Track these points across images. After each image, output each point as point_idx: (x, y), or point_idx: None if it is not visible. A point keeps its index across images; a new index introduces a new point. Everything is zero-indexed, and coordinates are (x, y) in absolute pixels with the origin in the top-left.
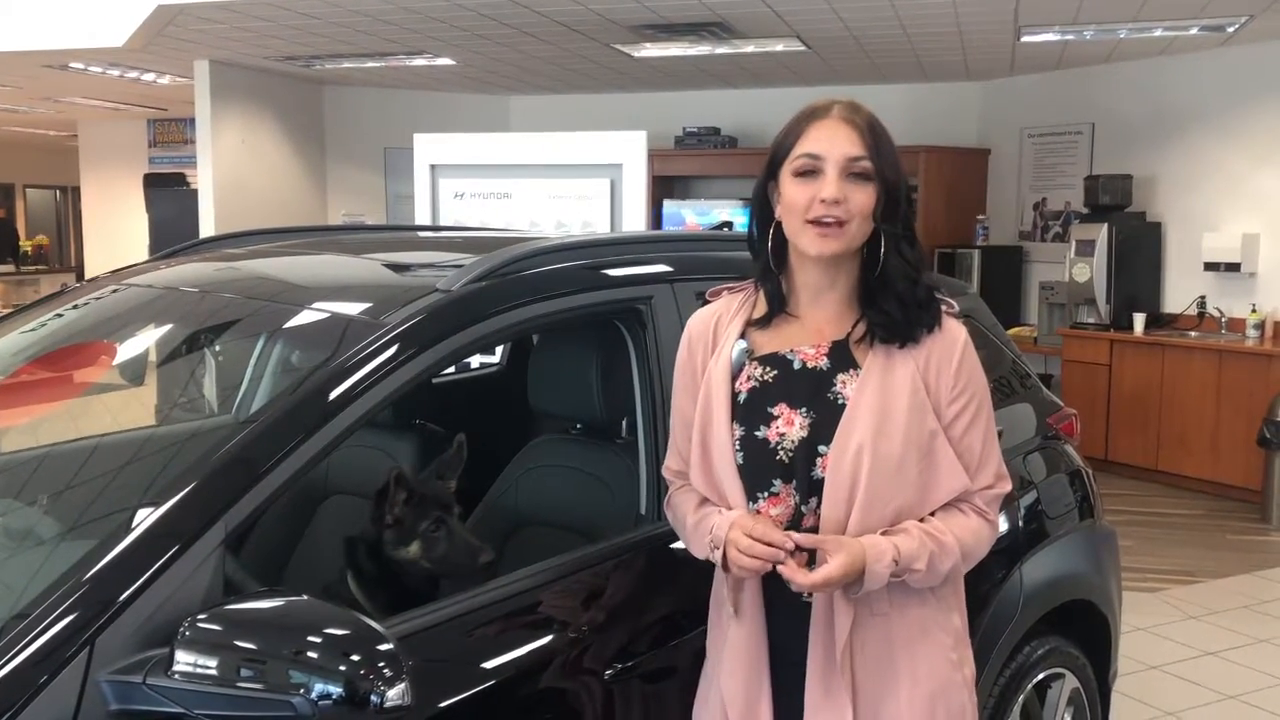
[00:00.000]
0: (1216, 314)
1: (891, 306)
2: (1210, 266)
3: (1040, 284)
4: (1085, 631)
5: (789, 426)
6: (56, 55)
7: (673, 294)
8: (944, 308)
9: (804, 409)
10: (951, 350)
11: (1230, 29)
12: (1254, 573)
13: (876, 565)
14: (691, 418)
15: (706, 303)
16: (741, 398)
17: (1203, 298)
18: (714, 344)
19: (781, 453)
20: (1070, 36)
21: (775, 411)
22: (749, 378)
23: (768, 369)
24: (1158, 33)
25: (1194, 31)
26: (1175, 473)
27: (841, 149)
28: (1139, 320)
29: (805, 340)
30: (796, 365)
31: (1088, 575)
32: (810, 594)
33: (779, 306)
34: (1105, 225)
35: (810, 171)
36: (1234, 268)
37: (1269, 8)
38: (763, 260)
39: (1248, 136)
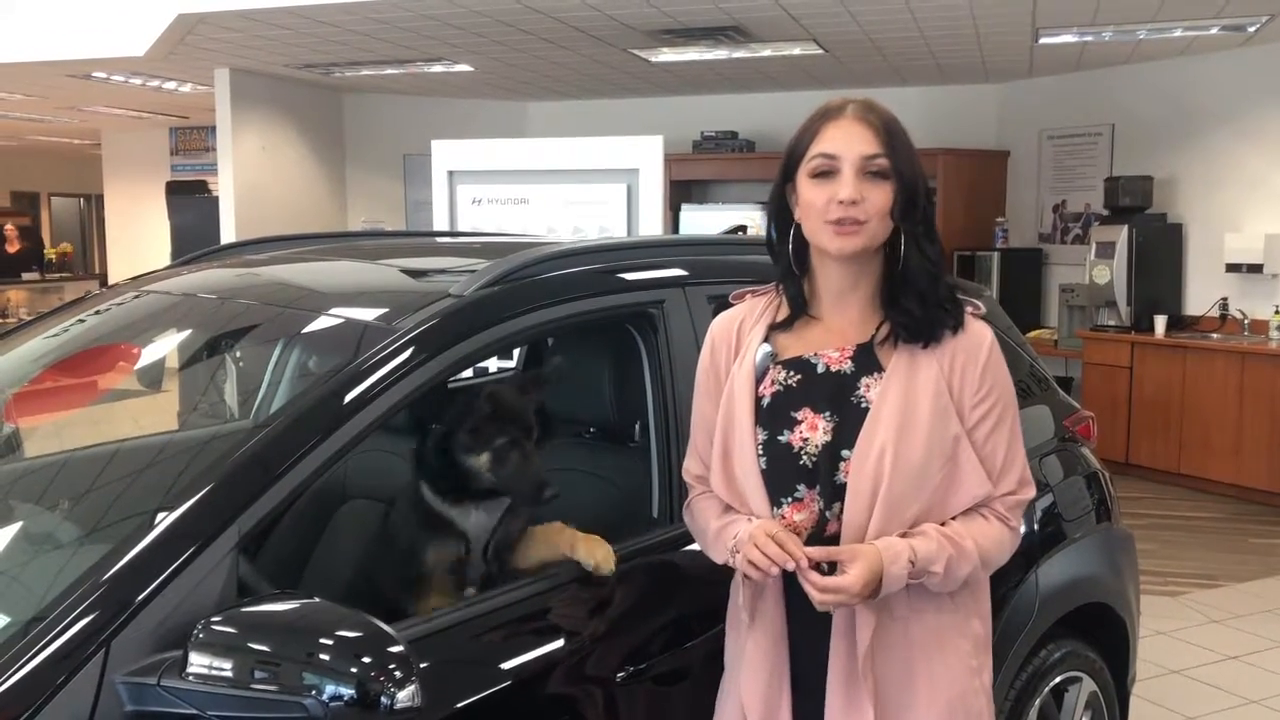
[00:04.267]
0: (1239, 316)
1: (913, 305)
2: (1232, 268)
3: (1060, 286)
4: (1103, 635)
5: (812, 431)
6: (79, 65)
7: (685, 298)
8: (969, 309)
9: (827, 413)
10: (977, 352)
11: (1251, 29)
12: (1277, 576)
13: (893, 567)
14: (713, 421)
15: (729, 306)
16: (765, 402)
17: (1225, 299)
18: (737, 347)
19: (805, 457)
20: (1089, 37)
21: (799, 416)
22: (773, 381)
23: (791, 373)
24: (1177, 33)
25: (1214, 31)
26: (1197, 475)
27: (857, 148)
28: (1160, 322)
29: (829, 343)
30: (820, 369)
31: (1104, 578)
32: (833, 609)
33: (801, 309)
34: (1126, 227)
35: (827, 172)
36: (1256, 269)
37: None
38: (784, 263)
39: (1269, 136)
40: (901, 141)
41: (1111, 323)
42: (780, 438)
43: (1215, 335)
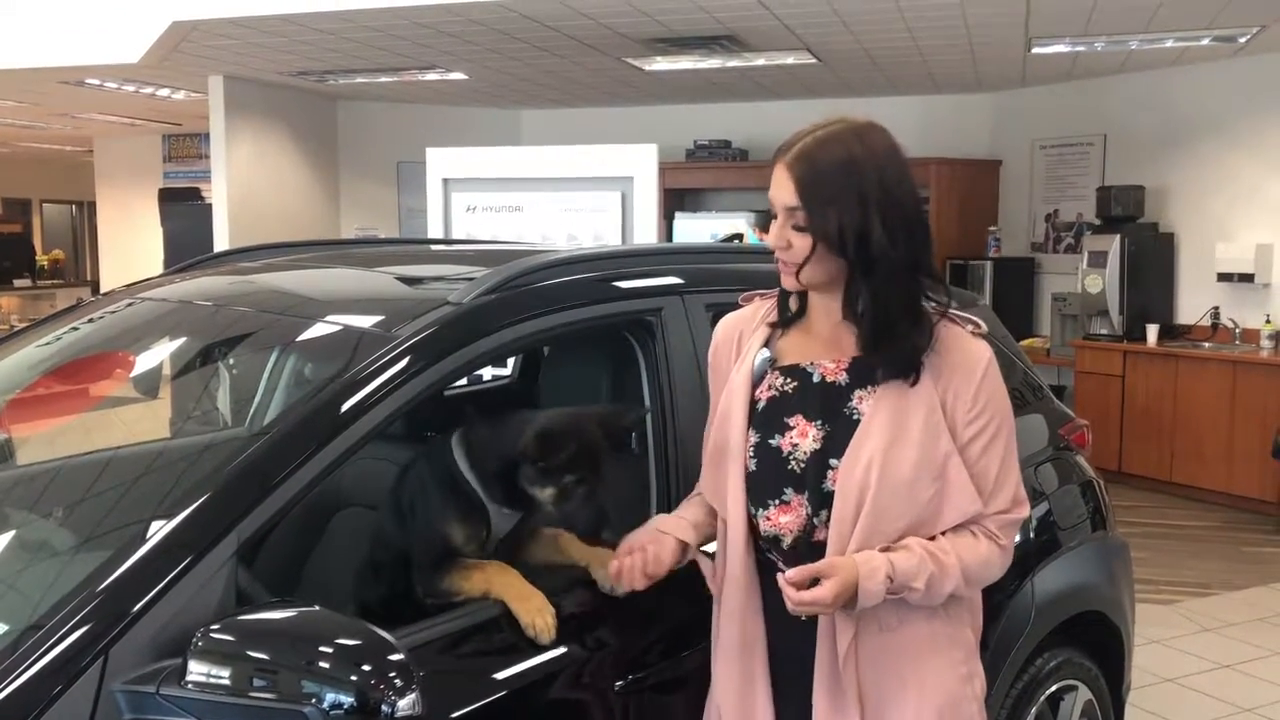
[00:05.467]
0: (1230, 325)
1: (876, 341)
2: (1224, 277)
3: (1053, 295)
4: (1098, 643)
5: (803, 438)
6: (72, 71)
7: (683, 306)
8: (970, 328)
9: (819, 421)
10: (973, 370)
11: (1242, 39)
12: (1269, 585)
13: (869, 583)
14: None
15: (729, 312)
16: (760, 406)
17: (1216, 309)
18: (738, 351)
19: (794, 463)
20: (1081, 48)
21: (791, 422)
22: (769, 387)
23: (788, 380)
24: (1169, 44)
25: (1205, 42)
26: (1190, 484)
27: (781, 198)
28: (1152, 331)
29: (826, 354)
30: (815, 378)
31: (1100, 586)
32: (804, 615)
33: (801, 316)
34: (1117, 236)
35: (772, 214)
36: (1247, 278)
37: None
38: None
39: (1260, 147)
40: (824, 193)
41: (1104, 332)
42: (771, 441)
43: (1207, 344)
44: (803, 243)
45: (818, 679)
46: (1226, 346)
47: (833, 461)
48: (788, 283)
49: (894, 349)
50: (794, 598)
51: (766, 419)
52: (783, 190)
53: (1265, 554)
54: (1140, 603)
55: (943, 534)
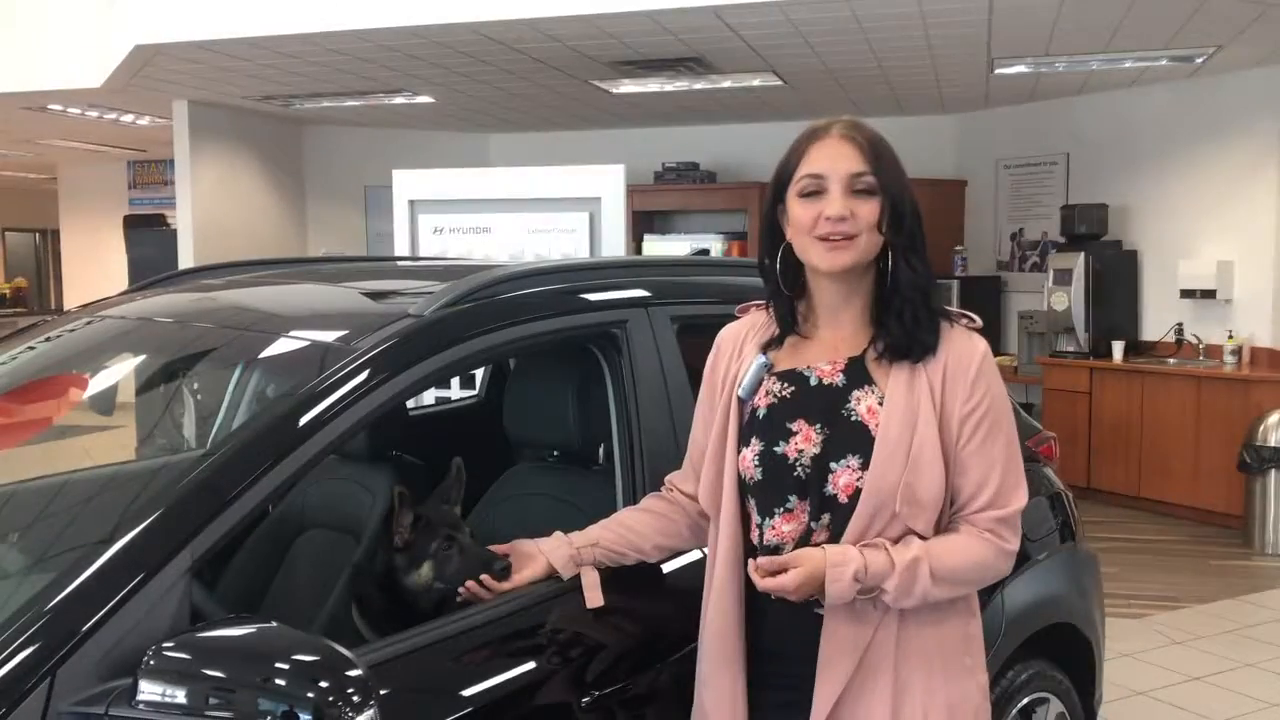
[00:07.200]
0: (1194, 341)
1: (903, 320)
2: (1186, 294)
3: (1019, 314)
4: (1069, 655)
5: (806, 443)
6: (35, 97)
7: (648, 319)
8: (964, 322)
9: (819, 425)
10: (969, 362)
11: (1199, 59)
12: (1238, 597)
13: (834, 585)
14: (703, 431)
15: (691, 327)
16: (760, 413)
17: (1180, 325)
18: (739, 360)
19: (799, 469)
20: (1043, 69)
21: (794, 427)
22: (767, 393)
23: (785, 385)
24: (1128, 64)
25: (1163, 63)
26: (1157, 499)
27: (844, 166)
28: (1118, 348)
29: (822, 356)
30: (813, 382)
31: (1070, 598)
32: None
33: (790, 327)
34: (1082, 254)
35: (815, 191)
36: (1210, 294)
37: (1235, 39)
38: (773, 283)
39: (1220, 164)
40: (888, 158)
41: (1070, 349)
42: (776, 449)
43: (1172, 360)
44: (869, 208)
45: (820, 674)
46: (1191, 362)
47: (832, 465)
48: (837, 260)
49: (921, 327)
50: (761, 584)
51: (769, 426)
52: (844, 159)
53: (1233, 567)
54: (1110, 617)
55: (944, 531)
